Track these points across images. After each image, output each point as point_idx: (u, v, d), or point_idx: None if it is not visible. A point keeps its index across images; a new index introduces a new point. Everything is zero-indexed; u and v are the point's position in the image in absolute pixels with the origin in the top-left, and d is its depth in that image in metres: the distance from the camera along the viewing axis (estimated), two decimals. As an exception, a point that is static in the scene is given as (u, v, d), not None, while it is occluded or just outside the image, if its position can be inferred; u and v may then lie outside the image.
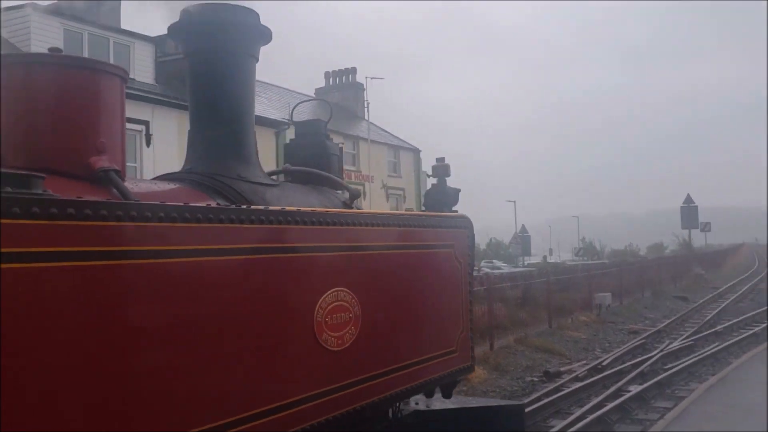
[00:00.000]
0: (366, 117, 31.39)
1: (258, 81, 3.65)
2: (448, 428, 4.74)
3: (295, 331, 3.32)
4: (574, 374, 10.97)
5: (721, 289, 25.46)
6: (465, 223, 4.84)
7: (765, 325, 16.20)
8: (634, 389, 9.50)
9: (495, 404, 5.89)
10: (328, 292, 3.47)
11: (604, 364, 11.43)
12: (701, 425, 7.08)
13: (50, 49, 3.22)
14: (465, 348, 4.58)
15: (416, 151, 34.69)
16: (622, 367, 11.23)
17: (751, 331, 15.12)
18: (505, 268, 33.61)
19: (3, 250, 2.19)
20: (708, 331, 15.29)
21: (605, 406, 8.75)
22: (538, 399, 9.28)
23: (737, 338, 14.08)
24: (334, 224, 3.56)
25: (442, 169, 5.14)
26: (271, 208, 3.30)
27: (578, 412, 8.43)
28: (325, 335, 3.44)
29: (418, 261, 4.22)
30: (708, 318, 17.63)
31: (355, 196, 4.40)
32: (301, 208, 3.48)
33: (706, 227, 38.65)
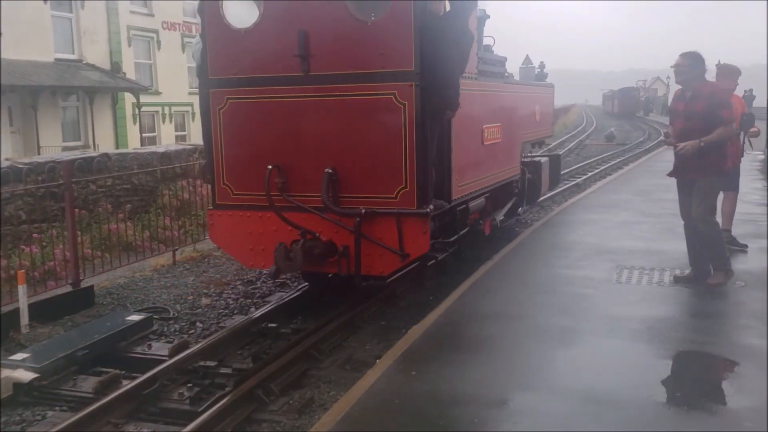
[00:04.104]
0: None
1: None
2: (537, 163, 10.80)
3: (521, 125, 9.68)
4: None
5: (551, 146, 27.29)
6: (550, 85, 11.78)
7: (587, 176, 17.78)
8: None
9: (552, 154, 13.60)
10: (534, 110, 10.54)
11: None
12: (526, 262, 7.79)
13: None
14: (549, 127, 12.03)
15: None
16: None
17: (574, 182, 16.53)
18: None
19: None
20: (537, 183, 16.46)
21: (447, 250, 9.32)
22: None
23: (561, 188, 15.34)
24: (521, 85, 10.10)
25: (533, 64, 11.45)
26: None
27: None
28: (527, 134, 10.12)
29: (544, 97, 11.30)
30: (538, 171, 18.93)
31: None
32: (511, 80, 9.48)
33: (542, 88, 40.47)
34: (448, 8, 6.46)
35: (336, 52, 6.09)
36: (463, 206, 7.26)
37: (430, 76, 5.94)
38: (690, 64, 6.28)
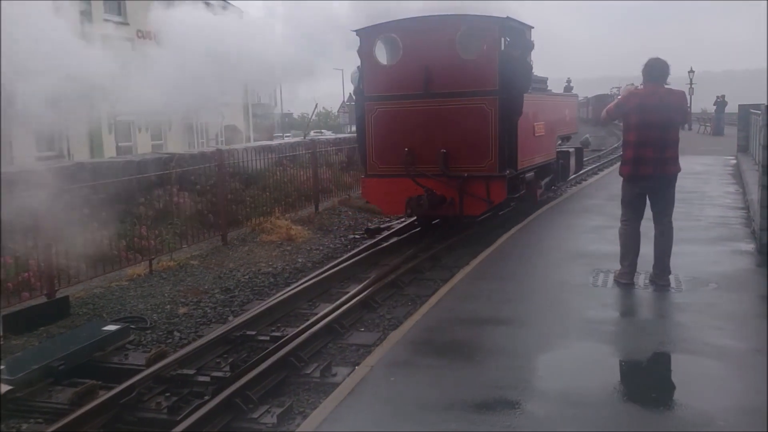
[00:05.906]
0: None
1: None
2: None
3: (556, 124, 13.07)
4: (393, 230, 11.58)
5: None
6: (575, 95, 15.79)
7: (563, 182, 17.91)
8: (446, 242, 10.25)
9: (577, 147, 16.33)
10: (565, 113, 14.13)
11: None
12: (502, 266, 7.85)
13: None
14: (574, 126, 15.62)
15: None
16: (436, 221, 11.99)
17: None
18: (330, 135, 33.81)
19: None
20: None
21: (419, 256, 9.40)
22: (359, 253, 9.76)
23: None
24: (556, 95, 13.53)
25: (569, 87, 14.97)
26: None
27: (395, 261, 9.01)
28: (559, 131, 13.46)
29: (571, 104, 14.88)
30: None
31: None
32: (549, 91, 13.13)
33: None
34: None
35: (447, 78, 9.89)
36: (523, 175, 10.67)
37: (506, 93, 9.70)
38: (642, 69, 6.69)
